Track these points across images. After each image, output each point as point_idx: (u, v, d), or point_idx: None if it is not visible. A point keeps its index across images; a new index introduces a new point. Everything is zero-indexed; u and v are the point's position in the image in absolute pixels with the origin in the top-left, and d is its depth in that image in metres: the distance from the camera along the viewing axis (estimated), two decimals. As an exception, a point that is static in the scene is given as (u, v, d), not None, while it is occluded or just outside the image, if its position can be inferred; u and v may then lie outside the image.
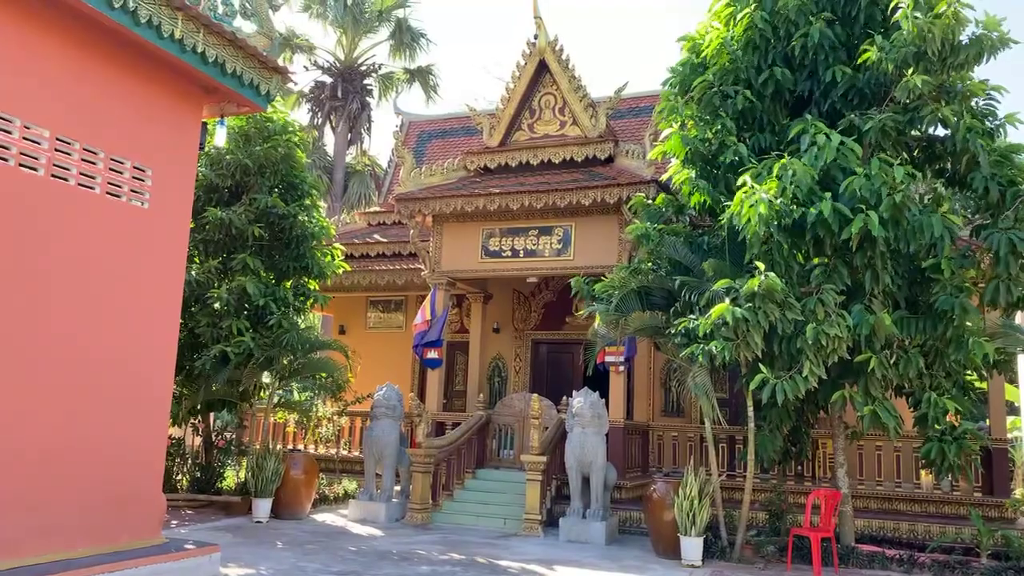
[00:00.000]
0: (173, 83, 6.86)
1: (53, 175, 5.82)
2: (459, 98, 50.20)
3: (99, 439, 6.14)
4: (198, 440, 13.39)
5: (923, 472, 11.61)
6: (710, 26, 10.22)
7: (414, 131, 21.04)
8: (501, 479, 12.62)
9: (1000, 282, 8.80)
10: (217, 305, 11.57)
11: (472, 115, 15.53)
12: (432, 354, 13.67)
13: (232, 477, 13.02)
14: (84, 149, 6.08)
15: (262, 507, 11.36)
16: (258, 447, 12.37)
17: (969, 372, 9.74)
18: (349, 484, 13.98)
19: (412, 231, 14.41)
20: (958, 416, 8.95)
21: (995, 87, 9.13)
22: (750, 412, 9.49)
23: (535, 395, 12.07)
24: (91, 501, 6.04)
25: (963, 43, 8.72)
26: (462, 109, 18.92)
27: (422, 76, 28.08)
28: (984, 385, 11.70)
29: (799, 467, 12.33)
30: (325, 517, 12.15)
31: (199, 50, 6.51)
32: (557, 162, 13.83)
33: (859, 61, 8.98)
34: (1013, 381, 15.95)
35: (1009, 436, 13.71)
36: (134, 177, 6.50)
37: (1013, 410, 17.40)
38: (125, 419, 6.38)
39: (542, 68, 14.42)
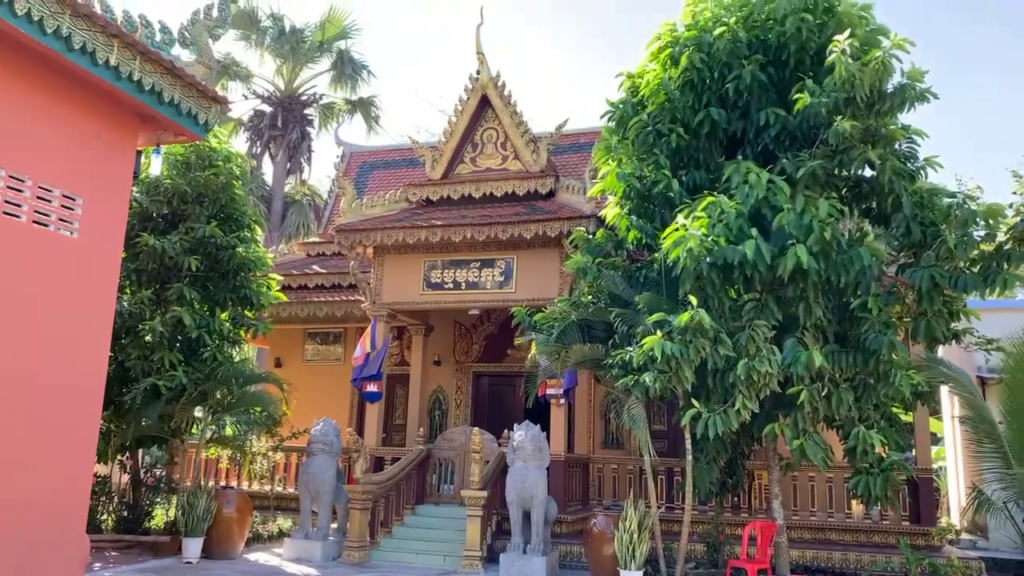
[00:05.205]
0: (108, 111, 6.71)
1: (-24, 203, 5.62)
2: (402, 129, 50.30)
3: (17, 478, 5.86)
4: (125, 477, 12.87)
5: (854, 502, 11.88)
6: (647, 66, 10.47)
7: (356, 162, 20.96)
8: (441, 515, 12.46)
9: (926, 319, 9.16)
10: (149, 337, 11.23)
11: (415, 147, 15.57)
12: (371, 387, 13.49)
13: (161, 516, 12.54)
14: (10, 177, 5.88)
15: (192, 547, 10.96)
16: (189, 484, 11.97)
17: (896, 404, 10.04)
18: (284, 522, 13.62)
19: (352, 262, 14.29)
20: (885, 448, 9.19)
21: (916, 131, 9.55)
22: (688, 444, 9.60)
23: (476, 428, 11.99)
24: (7, 543, 5.74)
25: (888, 91, 9.14)
26: (404, 140, 18.98)
27: (364, 107, 28.05)
28: (910, 417, 12.06)
29: (736, 498, 12.49)
30: (259, 556, 11.79)
31: (135, 78, 6.40)
32: (499, 195, 13.93)
33: (796, 109, 9.25)
34: (936, 412, 16.53)
35: (934, 466, 14.16)
36: (63, 206, 6.32)
37: (936, 440, 18.00)
38: (47, 456, 6.12)
39: (484, 103, 14.58)
